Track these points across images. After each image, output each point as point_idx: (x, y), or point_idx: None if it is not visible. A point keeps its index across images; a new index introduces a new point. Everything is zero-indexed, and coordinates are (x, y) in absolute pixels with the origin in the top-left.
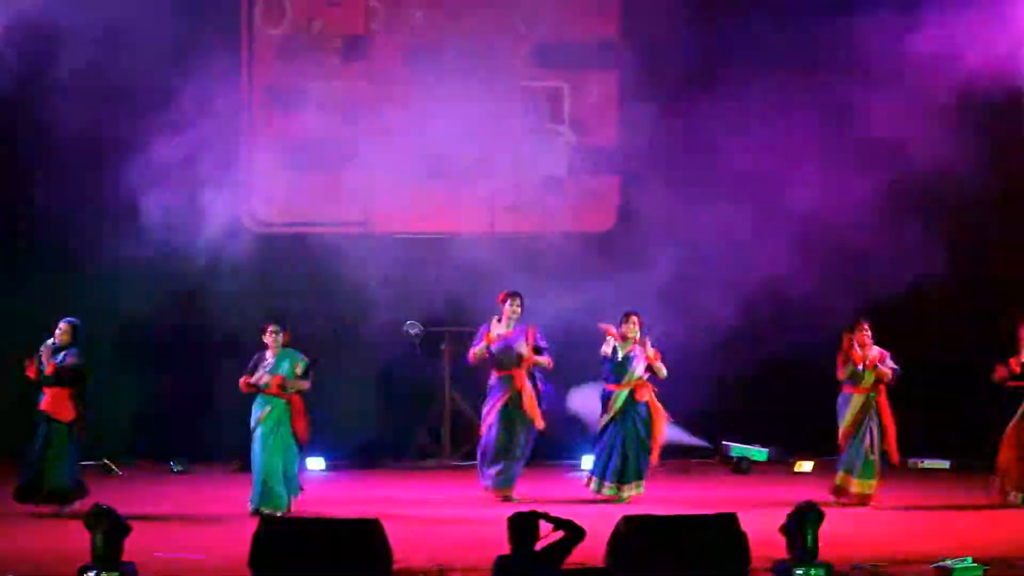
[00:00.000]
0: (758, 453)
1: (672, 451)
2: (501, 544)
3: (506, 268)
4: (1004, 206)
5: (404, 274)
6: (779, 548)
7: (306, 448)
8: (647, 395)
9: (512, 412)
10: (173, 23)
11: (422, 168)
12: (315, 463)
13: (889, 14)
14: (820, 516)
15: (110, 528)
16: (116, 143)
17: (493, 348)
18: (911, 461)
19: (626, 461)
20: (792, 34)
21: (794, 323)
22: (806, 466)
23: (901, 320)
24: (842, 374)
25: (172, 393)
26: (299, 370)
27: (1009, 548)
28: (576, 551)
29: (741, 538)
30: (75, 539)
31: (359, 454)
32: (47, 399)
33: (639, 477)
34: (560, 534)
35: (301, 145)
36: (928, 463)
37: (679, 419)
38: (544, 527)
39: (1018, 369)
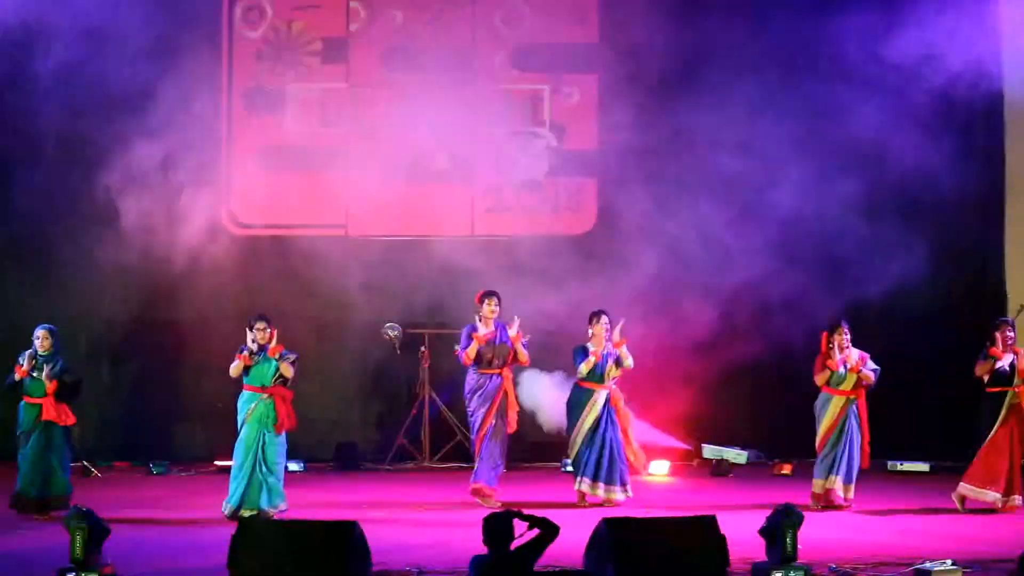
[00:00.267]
0: (737, 455)
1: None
2: (479, 546)
3: (486, 270)
4: (984, 209)
5: (384, 276)
6: (758, 550)
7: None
8: (619, 403)
9: (503, 412)
10: (153, 25)
11: (402, 170)
12: (292, 465)
13: (869, 17)
14: (799, 518)
15: (89, 530)
16: (95, 144)
17: (483, 348)
18: (890, 464)
19: (612, 463)
20: (772, 37)
21: (774, 325)
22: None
23: (880, 322)
24: (819, 379)
25: (151, 395)
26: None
27: (988, 550)
28: (556, 553)
29: (720, 540)
30: (54, 540)
31: (338, 456)
32: (48, 407)
33: (625, 481)
34: (535, 532)
35: (281, 147)
36: (907, 466)
37: (658, 421)
38: (519, 526)
39: (1001, 355)
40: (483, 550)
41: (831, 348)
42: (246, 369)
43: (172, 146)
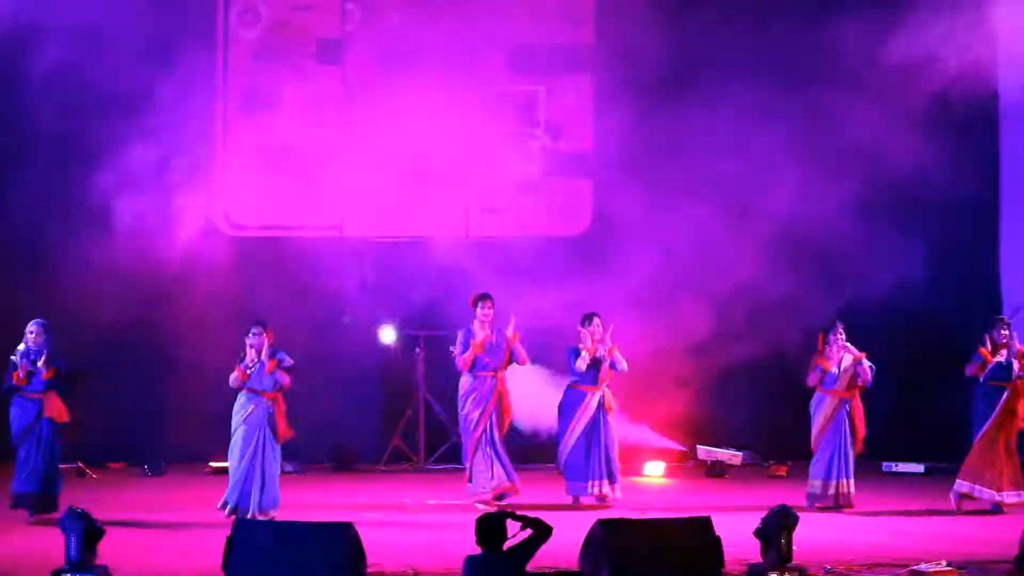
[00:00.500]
0: (732, 457)
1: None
2: (473, 546)
3: (481, 271)
4: (979, 210)
5: (379, 277)
6: (753, 551)
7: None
8: (612, 409)
9: (498, 414)
10: (148, 25)
11: (397, 171)
12: (287, 466)
13: (865, 20)
14: (794, 520)
15: (84, 531)
16: (90, 145)
17: (482, 344)
18: (885, 465)
19: (612, 462)
20: (767, 39)
21: (769, 326)
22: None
23: (876, 323)
24: (810, 379)
25: (146, 396)
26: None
27: (984, 551)
28: (551, 554)
29: (715, 541)
30: (48, 540)
31: (333, 457)
32: (49, 404)
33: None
34: (528, 532)
35: (276, 148)
36: (902, 467)
37: (654, 422)
38: (512, 526)
39: (990, 358)
40: (477, 551)
41: (826, 347)
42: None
43: (167, 147)
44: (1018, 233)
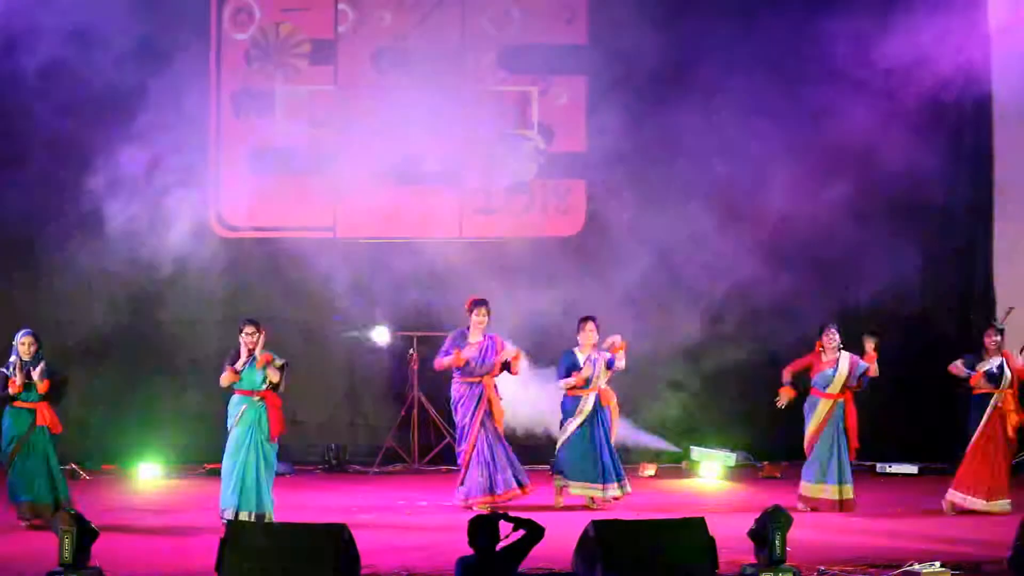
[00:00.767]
0: (727, 458)
1: (640, 455)
2: (466, 547)
3: (475, 272)
4: (973, 211)
5: (372, 278)
6: (747, 552)
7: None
8: (611, 402)
9: (491, 418)
10: (141, 26)
11: (390, 172)
12: (280, 468)
13: (859, 20)
14: (788, 520)
15: (78, 533)
16: (82, 146)
17: (464, 358)
18: (879, 466)
19: (612, 460)
20: (761, 40)
21: (763, 327)
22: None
23: (870, 325)
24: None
25: (139, 397)
26: (276, 364)
27: (977, 552)
28: (544, 555)
29: (709, 542)
30: (43, 544)
31: (326, 459)
32: (43, 414)
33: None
34: (520, 533)
35: (269, 149)
36: (896, 468)
37: (647, 423)
38: (504, 527)
39: (973, 381)
40: (469, 552)
41: (821, 352)
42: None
43: (160, 148)
44: (1012, 235)
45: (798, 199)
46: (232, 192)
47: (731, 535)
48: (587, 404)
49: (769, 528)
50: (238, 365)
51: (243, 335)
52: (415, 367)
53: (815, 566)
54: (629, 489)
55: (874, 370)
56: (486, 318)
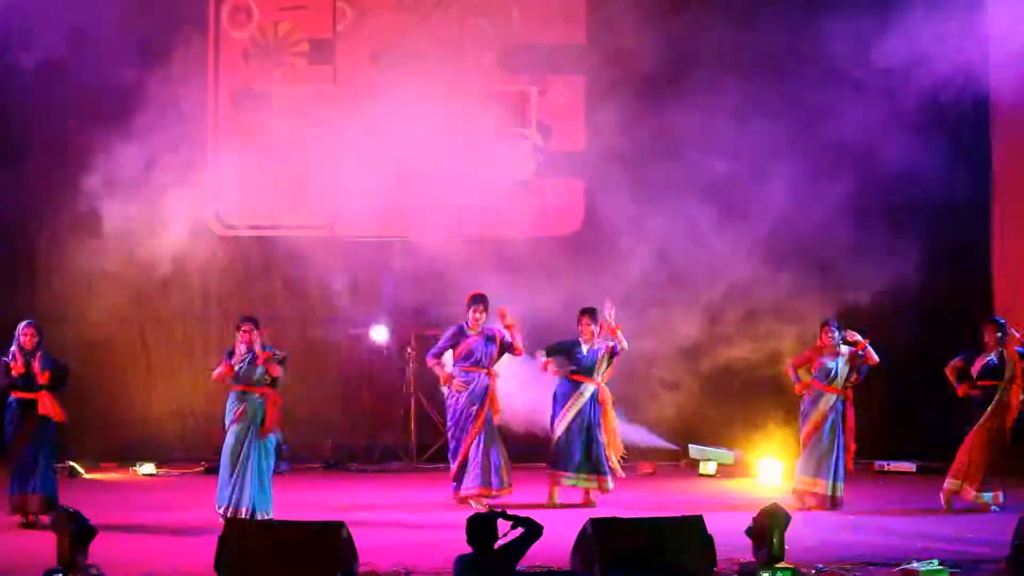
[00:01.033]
0: (725, 456)
1: (638, 453)
2: (465, 546)
3: (473, 271)
4: (971, 210)
5: (370, 277)
6: (745, 550)
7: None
8: (607, 404)
9: (488, 412)
10: (139, 25)
11: (389, 171)
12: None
13: (857, 20)
14: (786, 518)
15: (76, 531)
16: (80, 144)
17: (459, 357)
18: (877, 464)
19: (597, 454)
20: (760, 39)
21: (761, 325)
22: (772, 468)
23: (868, 323)
24: (791, 363)
25: (138, 395)
26: (277, 358)
27: (975, 550)
28: (542, 553)
29: (707, 540)
30: (40, 542)
31: (324, 456)
32: (44, 403)
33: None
34: (519, 531)
35: (267, 148)
36: (894, 466)
37: (645, 421)
38: (503, 526)
39: (961, 393)
40: (468, 550)
41: (821, 347)
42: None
43: (158, 146)
44: (1010, 234)
45: (796, 198)
46: (230, 190)
47: (729, 533)
48: (584, 393)
49: (768, 526)
50: (234, 361)
51: (240, 332)
52: (413, 365)
53: (813, 564)
54: (611, 486)
55: (872, 357)
56: (482, 315)
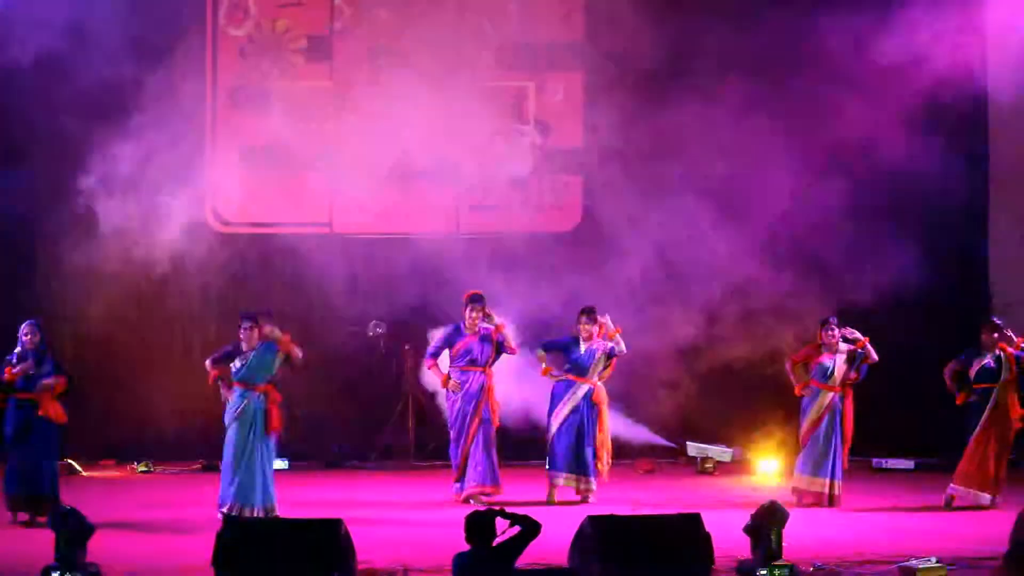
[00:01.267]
0: (722, 454)
1: (637, 451)
2: (463, 543)
3: (471, 268)
4: (968, 210)
5: (368, 274)
6: (743, 548)
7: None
8: (603, 406)
9: (488, 410)
10: (136, 22)
11: (387, 168)
12: (277, 463)
13: (855, 19)
14: (784, 516)
15: (74, 529)
16: (77, 142)
17: (456, 356)
18: (875, 462)
19: (584, 454)
20: (758, 38)
21: (760, 323)
22: (772, 466)
23: (866, 322)
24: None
25: (136, 393)
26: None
27: (973, 548)
28: (540, 551)
29: (705, 538)
30: (39, 540)
31: (323, 454)
32: (45, 405)
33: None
34: (517, 529)
35: (265, 145)
36: (892, 463)
37: (644, 419)
38: (501, 523)
39: (960, 402)
40: (466, 547)
41: (820, 345)
42: (237, 366)
43: (155, 144)
44: (1008, 233)
45: (794, 196)
46: (228, 188)
47: (727, 531)
48: (578, 392)
49: (765, 524)
50: (236, 363)
51: (241, 330)
52: (411, 362)
53: (811, 562)
54: (594, 488)
55: (872, 355)
56: (478, 315)
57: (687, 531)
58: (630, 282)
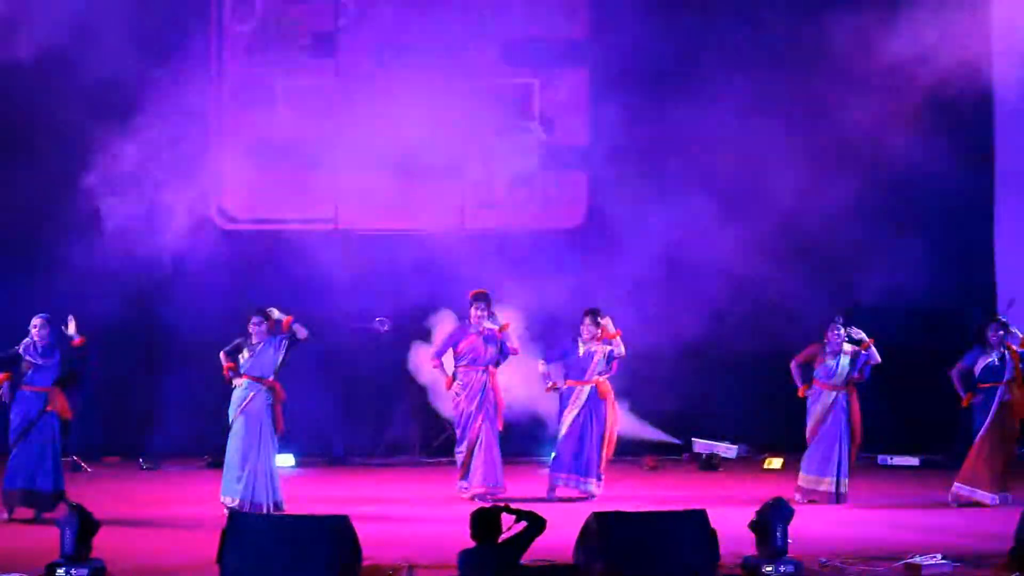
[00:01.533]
0: (728, 450)
1: (642, 448)
2: (468, 540)
3: (476, 264)
4: (974, 207)
5: (373, 270)
6: (748, 544)
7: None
8: (609, 395)
9: (491, 409)
10: (141, 19)
11: (392, 164)
12: (284, 459)
13: (861, 16)
14: (789, 512)
15: (79, 525)
16: (81, 138)
17: (460, 354)
18: (880, 458)
19: (587, 455)
20: (763, 34)
21: (765, 319)
22: (776, 462)
23: (871, 320)
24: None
25: (141, 389)
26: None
27: (978, 545)
28: (546, 547)
29: (711, 534)
30: (44, 536)
31: (327, 450)
32: (53, 399)
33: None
34: (522, 526)
35: (270, 142)
36: (897, 460)
37: (649, 416)
38: (506, 520)
39: (966, 403)
40: (471, 544)
41: (825, 344)
42: (246, 358)
43: (160, 140)
44: (1013, 229)
45: (800, 194)
46: (233, 184)
47: (733, 527)
48: (581, 396)
49: (771, 520)
50: (242, 357)
51: (251, 324)
52: (417, 359)
53: (816, 558)
54: (600, 491)
55: (875, 357)
56: (483, 313)
57: (693, 527)
58: (635, 279)
